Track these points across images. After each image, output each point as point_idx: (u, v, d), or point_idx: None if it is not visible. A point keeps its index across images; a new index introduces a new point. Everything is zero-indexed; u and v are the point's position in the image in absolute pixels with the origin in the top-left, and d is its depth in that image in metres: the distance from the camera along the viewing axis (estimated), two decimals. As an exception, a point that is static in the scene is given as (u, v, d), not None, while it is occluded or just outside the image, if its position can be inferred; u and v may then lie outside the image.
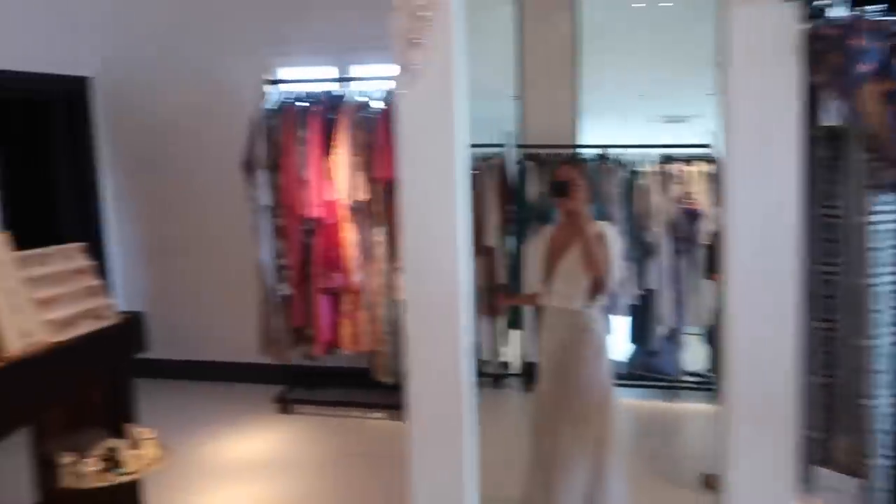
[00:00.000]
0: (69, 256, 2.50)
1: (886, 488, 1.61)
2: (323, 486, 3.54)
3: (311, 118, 4.29)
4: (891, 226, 1.67)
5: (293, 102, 4.41)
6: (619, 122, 8.64)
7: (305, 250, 4.38)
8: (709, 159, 4.79)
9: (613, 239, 2.69)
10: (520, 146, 4.97)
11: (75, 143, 4.99)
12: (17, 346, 2.14)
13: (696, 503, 3.35)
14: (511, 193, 4.83)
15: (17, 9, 4.32)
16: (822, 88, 1.57)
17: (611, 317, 4.85)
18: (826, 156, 1.73)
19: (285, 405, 4.64)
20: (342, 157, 4.21)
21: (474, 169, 4.82)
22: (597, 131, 6.74)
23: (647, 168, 4.86)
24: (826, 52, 1.53)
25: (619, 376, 4.92)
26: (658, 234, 4.72)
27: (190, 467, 3.67)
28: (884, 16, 1.51)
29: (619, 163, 4.88)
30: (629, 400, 4.95)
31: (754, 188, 1.43)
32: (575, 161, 2.85)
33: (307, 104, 4.39)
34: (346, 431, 4.33)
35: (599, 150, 4.94)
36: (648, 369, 5.01)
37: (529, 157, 4.86)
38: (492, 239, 4.74)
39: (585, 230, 2.55)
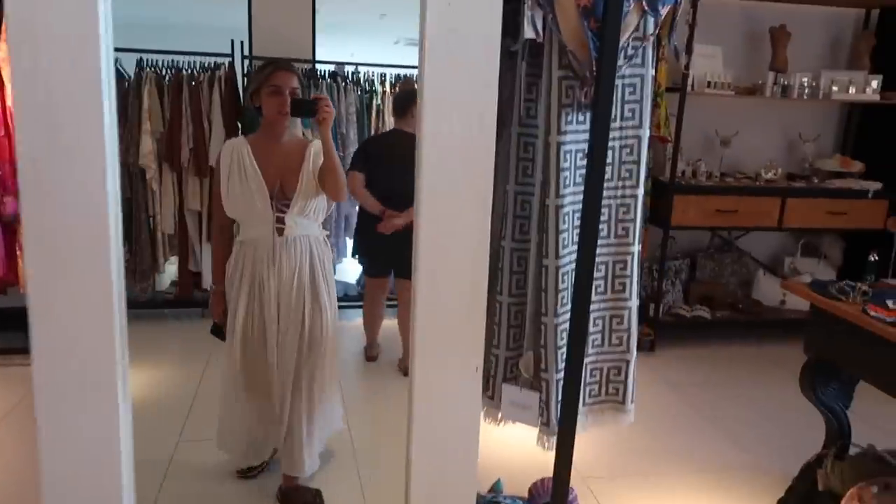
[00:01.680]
0: None
1: (557, 399, 1.67)
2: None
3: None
4: (580, 146, 1.62)
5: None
6: (360, 41, 8.40)
7: (-34, 169, 3.53)
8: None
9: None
10: (249, 57, 4.47)
11: None
12: None
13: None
14: (239, 109, 4.37)
15: None
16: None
17: (347, 239, 4.80)
18: (527, 73, 1.64)
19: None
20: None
21: (196, 80, 4.31)
22: (334, 49, 6.41)
23: (385, 89, 4.74)
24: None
25: (350, 297, 4.99)
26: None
27: None
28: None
29: (355, 82, 4.69)
30: (360, 320, 4.94)
31: (450, 103, 1.27)
32: (291, 68, 2.46)
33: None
34: (25, 382, 3.65)
35: (333, 67, 4.70)
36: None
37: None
38: (216, 158, 4.26)
39: (330, 148, 2.29)
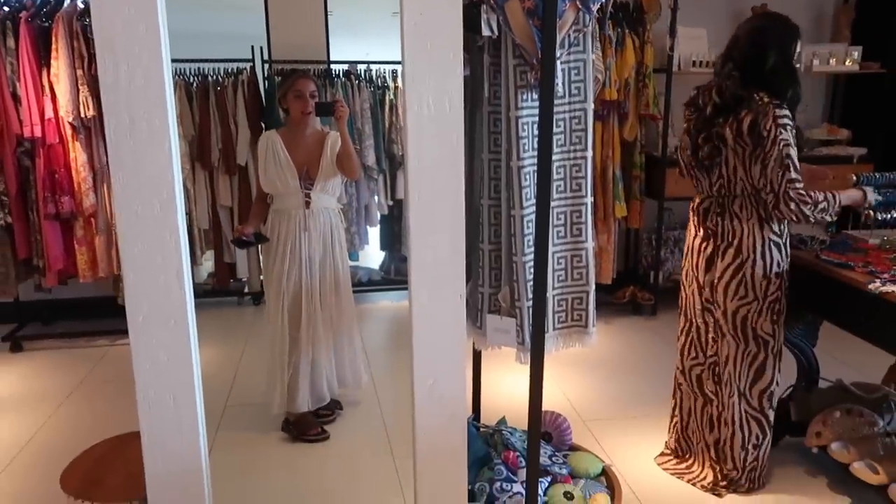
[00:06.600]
0: None
1: (530, 323, 2.02)
2: (63, 416, 3.38)
3: (20, 25, 3.81)
4: (535, 118, 2.02)
5: (-7, 5, 3.88)
6: (373, 40, 8.77)
7: (25, 174, 3.98)
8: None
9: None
10: (269, 62, 4.86)
11: None
12: None
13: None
14: (262, 109, 4.76)
15: None
16: (480, 4, 1.86)
17: (368, 228, 5.22)
18: (492, 62, 2.09)
19: (16, 343, 4.29)
20: (62, 70, 3.83)
21: (221, 85, 4.71)
22: (349, 48, 6.75)
23: (396, 84, 5.07)
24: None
25: (373, 282, 5.41)
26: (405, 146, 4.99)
27: None
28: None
29: (367, 79, 5.03)
30: (384, 302, 5.33)
31: (424, 89, 1.61)
32: (310, 76, 3.28)
33: (11, 8, 3.88)
34: (89, 361, 4.11)
35: (346, 67, 5.05)
36: (400, 273, 5.41)
37: (279, 73, 4.80)
38: (243, 157, 4.67)
39: (347, 138, 3.00)
